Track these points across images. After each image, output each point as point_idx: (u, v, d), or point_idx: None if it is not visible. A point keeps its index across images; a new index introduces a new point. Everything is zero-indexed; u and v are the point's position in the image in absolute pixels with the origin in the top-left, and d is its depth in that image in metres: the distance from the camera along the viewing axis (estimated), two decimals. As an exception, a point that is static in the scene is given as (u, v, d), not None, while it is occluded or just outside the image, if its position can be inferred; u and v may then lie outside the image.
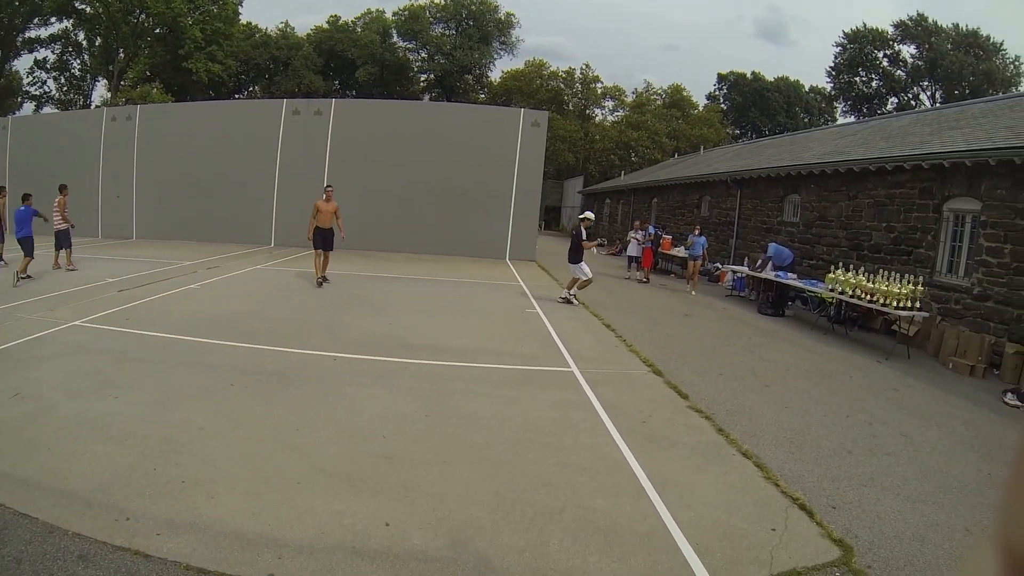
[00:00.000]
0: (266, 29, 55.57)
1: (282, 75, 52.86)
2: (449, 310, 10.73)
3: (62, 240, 12.73)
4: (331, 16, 57.28)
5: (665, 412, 5.87)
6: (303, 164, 20.23)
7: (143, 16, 45.56)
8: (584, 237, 12.53)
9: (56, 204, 12.77)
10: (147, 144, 21.60)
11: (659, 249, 19.36)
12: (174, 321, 8.37)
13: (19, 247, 11.60)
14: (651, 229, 19.01)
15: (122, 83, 47.57)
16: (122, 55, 46.81)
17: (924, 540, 3.85)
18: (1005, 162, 10.13)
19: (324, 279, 12.39)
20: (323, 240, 12.25)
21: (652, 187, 30.14)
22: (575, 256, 12.46)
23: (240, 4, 51.34)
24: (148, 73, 49.21)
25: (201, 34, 46.07)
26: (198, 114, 23.28)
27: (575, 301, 12.28)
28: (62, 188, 13.08)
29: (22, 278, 11.04)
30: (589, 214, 13.16)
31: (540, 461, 4.52)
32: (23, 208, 12.05)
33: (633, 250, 18.27)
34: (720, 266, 19.46)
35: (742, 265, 16.48)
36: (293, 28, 56.44)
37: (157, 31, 46.77)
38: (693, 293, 15.38)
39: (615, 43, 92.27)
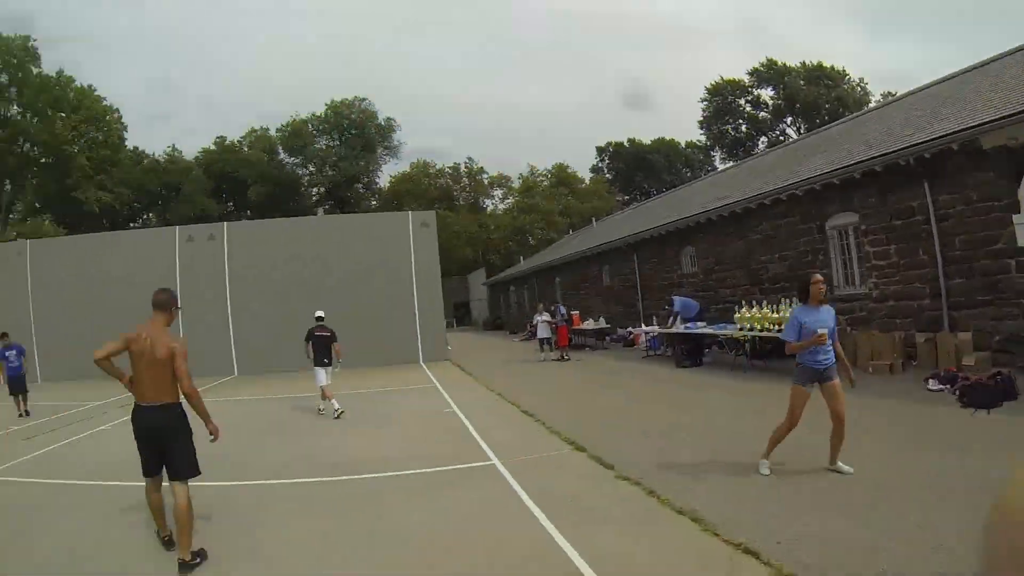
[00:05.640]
0: (154, 154, 54.63)
1: (175, 200, 51.64)
2: (364, 421, 10.23)
3: None
4: (216, 137, 57.05)
5: (592, 487, 5.69)
6: (203, 290, 19.46)
7: (28, 145, 43.82)
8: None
9: None
10: (41, 281, 20.48)
11: (571, 326, 19.46)
12: (85, 467, 7.62)
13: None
14: (561, 309, 19.02)
15: (11, 216, 45.17)
16: (9, 187, 44.60)
17: (876, 549, 3.82)
18: (868, 172, 10.92)
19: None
20: (149, 438, 4.64)
21: (551, 267, 30.58)
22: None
23: (125, 129, 50.31)
24: (37, 205, 47.04)
25: (88, 161, 44.58)
26: (91, 246, 22.15)
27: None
28: None
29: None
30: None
31: (474, 563, 4.21)
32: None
33: (543, 332, 18.10)
34: (632, 329, 19.82)
35: (653, 324, 16.78)
36: (181, 152, 55.63)
37: (43, 160, 44.98)
38: None
39: (492, 134, 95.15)
